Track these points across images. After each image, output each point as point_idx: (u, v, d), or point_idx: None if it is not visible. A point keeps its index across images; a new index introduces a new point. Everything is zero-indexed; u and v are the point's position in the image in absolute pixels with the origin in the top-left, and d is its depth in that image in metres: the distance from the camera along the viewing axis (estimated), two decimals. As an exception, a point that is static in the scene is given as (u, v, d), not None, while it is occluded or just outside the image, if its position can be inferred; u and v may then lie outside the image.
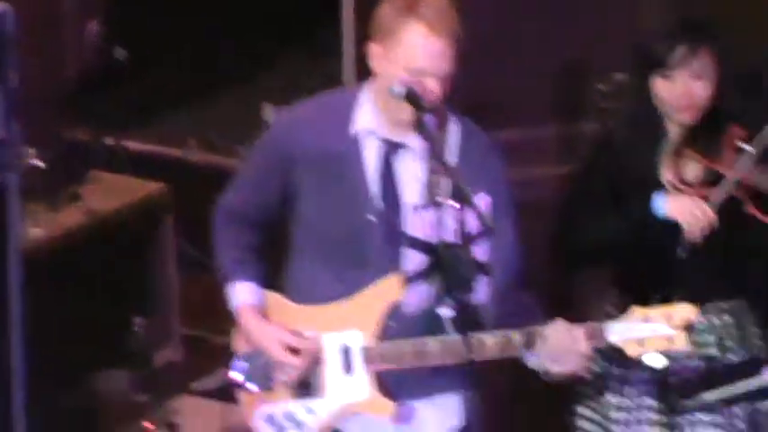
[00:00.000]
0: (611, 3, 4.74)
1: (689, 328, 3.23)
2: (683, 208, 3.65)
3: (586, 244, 3.81)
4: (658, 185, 3.71)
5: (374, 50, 3.16)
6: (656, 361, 3.29)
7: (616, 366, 3.74)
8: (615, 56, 4.61)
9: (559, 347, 3.14)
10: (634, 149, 3.78)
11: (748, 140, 3.59)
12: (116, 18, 5.62)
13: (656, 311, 3.23)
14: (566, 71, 4.69)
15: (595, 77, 4.66)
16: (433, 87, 3.10)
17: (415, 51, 3.08)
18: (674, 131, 3.72)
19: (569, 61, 4.69)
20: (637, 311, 3.25)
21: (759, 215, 3.61)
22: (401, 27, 3.11)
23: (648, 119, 3.75)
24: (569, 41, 4.62)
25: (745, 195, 3.61)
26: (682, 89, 3.63)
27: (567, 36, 4.61)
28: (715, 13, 4.30)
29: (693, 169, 3.69)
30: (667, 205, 3.64)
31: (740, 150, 3.64)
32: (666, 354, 3.30)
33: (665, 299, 3.49)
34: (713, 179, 3.65)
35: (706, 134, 3.71)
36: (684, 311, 3.23)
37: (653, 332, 3.22)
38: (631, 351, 3.23)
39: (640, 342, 3.21)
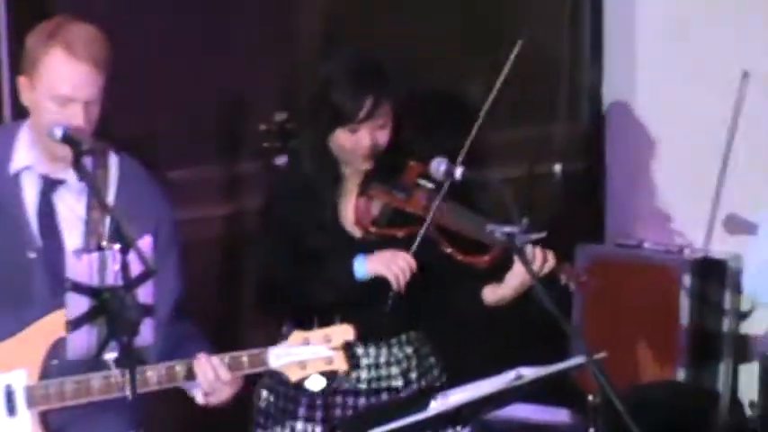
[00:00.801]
0: (268, 43, 4.78)
1: (346, 348, 3.32)
2: (385, 262, 3.70)
3: (268, 286, 3.86)
4: (340, 229, 3.78)
5: (22, 83, 3.16)
6: (317, 384, 3.40)
7: (283, 399, 3.80)
8: (273, 95, 4.70)
9: (204, 378, 3.20)
10: (313, 194, 3.80)
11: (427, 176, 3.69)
12: None
13: (316, 334, 3.31)
14: (226, 111, 4.74)
15: (256, 117, 4.64)
16: (78, 114, 3.10)
17: (57, 77, 3.10)
18: (352, 175, 3.77)
19: (229, 102, 4.74)
20: (297, 335, 3.32)
21: (455, 254, 3.68)
22: (43, 54, 3.12)
23: (327, 164, 3.78)
24: (228, 83, 4.68)
25: (439, 235, 3.69)
26: (366, 140, 3.69)
27: (226, 77, 4.66)
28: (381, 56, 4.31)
29: (380, 209, 3.77)
30: (368, 264, 3.68)
31: (420, 186, 3.74)
32: (328, 376, 3.40)
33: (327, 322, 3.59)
34: (401, 218, 3.72)
35: (387, 174, 3.78)
36: (342, 332, 3.31)
37: (313, 354, 3.29)
38: (293, 375, 3.30)
39: (302, 365, 3.29)
